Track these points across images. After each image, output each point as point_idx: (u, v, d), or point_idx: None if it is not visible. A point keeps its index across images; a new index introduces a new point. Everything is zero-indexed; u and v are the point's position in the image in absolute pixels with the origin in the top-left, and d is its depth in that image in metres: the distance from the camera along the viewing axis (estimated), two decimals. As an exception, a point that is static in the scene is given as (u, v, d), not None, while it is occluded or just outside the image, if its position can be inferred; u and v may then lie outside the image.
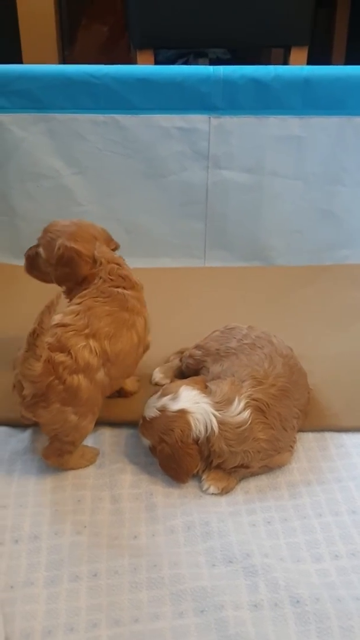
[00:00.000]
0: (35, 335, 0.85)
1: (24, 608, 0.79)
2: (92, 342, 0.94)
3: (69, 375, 0.90)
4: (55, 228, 1.06)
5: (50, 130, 1.45)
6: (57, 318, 0.95)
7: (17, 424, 1.07)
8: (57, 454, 0.96)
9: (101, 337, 0.95)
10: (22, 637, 0.75)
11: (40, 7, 2.34)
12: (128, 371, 1.05)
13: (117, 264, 1.05)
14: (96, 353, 0.94)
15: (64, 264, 1.03)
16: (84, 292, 1.01)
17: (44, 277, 1.11)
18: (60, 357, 0.90)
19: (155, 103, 1.42)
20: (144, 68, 1.43)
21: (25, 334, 0.94)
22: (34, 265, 1.10)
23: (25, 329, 1.04)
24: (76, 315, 0.96)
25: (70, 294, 1.06)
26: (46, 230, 1.07)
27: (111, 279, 1.02)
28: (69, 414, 0.92)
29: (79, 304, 0.99)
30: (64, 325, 0.94)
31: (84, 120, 1.44)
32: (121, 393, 1.11)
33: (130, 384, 1.12)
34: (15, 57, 2.34)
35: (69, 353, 0.91)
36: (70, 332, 0.93)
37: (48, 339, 0.90)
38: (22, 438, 1.05)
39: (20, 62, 2.27)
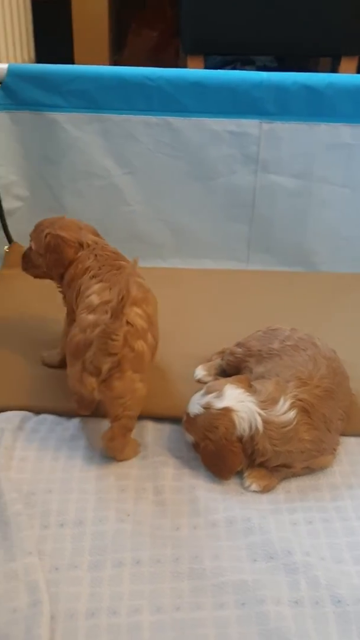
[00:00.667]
0: (123, 303, 0.89)
1: (68, 590, 0.81)
2: (136, 309, 0.98)
3: (135, 342, 0.95)
4: (43, 222, 1.16)
5: (104, 130, 1.48)
6: (94, 299, 1.00)
7: (63, 413, 1.10)
8: (123, 433, 0.99)
9: (140, 303, 1.00)
10: (67, 617, 0.77)
11: (94, 12, 2.40)
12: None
13: (105, 243, 1.14)
14: (143, 317, 0.99)
15: (52, 251, 1.11)
16: (90, 272, 1.06)
17: (37, 272, 1.18)
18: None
19: (208, 106, 1.44)
20: (198, 72, 1.45)
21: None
22: (28, 261, 1.18)
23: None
24: (110, 290, 1.01)
25: (61, 281, 1.13)
26: (36, 226, 1.16)
27: (107, 255, 1.10)
28: (137, 381, 0.96)
29: (100, 281, 1.04)
30: (108, 301, 0.97)
31: (137, 122, 1.47)
32: None
33: None
34: (68, 60, 2.39)
35: (127, 322, 0.95)
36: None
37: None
38: (68, 426, 1.08)
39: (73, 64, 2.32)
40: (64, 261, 1.11)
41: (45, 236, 1.12)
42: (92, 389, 0.95)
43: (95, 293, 1.01)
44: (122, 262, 1.10)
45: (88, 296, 1.01)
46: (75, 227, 1.14)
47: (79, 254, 1.10)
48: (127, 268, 0.92)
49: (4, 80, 1.45)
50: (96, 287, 1.03)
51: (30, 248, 1.17)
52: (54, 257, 1.11)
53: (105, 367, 0.93)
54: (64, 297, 1.15)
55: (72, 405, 1.06)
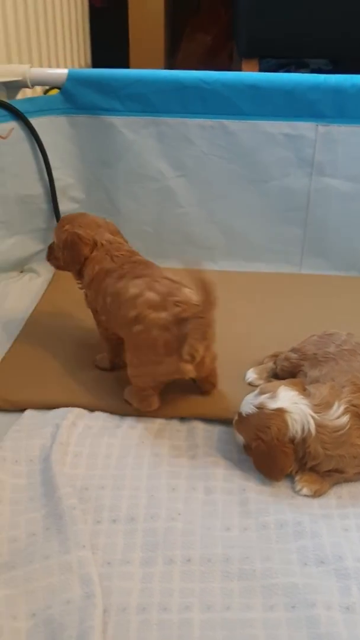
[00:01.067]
0: (211, 292, 0.95)
1: (120, 584, 0.82)
2: (187, 289, 1.05)
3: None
4: (65, 218, 1.21)
5: (159, 133, 1.50)
6: (152, 296, 1.04)
7: (116, 411, 1.12)
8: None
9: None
10: (119, 611, 0.79)
11: (150, 17, 2.43)
12: None
13: (120, 243, 1.17)
14: (193, 292, 1.03)
15: (68, 247, 1.16)
16: (114, 274, 1.11)
17: (58, 264, 1.23)
18: None
19: (264, 109, 1.44)
20: (255, 75, 1.46)
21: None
22: (51, 252, 1.24)
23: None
24: (157, 282, 1.06)
25: (80, 277, 1.18)
26: (59, 221, 1.22)
27: (123, 255, 1.14)
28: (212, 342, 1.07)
29: (135, 277, 1.08)
30: (169, 293, 1.04)
31: (193, 125, 1.48)
32: None
33: None
34: (123, 65, 2.43)
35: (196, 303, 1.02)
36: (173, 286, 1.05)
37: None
38: (120, 425, 1.09)
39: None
40: (79, 258, 1.15)
41: (64, 232, 1.16)
42: (190, 373, 1.04)
43: (147, 290, 1.05)
44: (139, 257, 1.15)
45: (137, 296, 1.04)
46: (94, 225, 1.17)
47: (94, 253, 1.14)
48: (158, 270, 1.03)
49: (63, 85, 1.48)
50: (138, 282, 1.06)
51: (53, 241, 1.22)
52: (70, 254, 1.16)
53: (201, 352, 1.02)
54: (86, 297, 1.18)
55: (131, 406, 1.11)
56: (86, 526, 0.89)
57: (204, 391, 1.15)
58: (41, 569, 0.83)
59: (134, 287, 1.06)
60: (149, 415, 1.11)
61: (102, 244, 1.14)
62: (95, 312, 1.17)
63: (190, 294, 1.03)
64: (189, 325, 0.99)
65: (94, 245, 1.15)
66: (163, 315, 1.01)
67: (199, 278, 0.95)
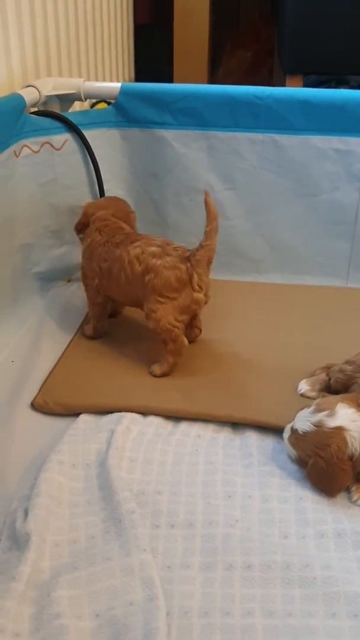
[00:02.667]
0: (215, 224, 1.19)
1: (181, 588, 0.83)
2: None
3: None
4: (99, 200, 1.44)
5: (209, 147, 1.52)
6: (154, 250, 1.22)
7: (169, 416, 1.14)
8: None
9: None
10: (181, 614, 0.79)
11: (195, 33, 2.47)
12: None
13: (108, 219, 1.32)
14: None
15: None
16: (107, 244, 1.27)
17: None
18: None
19: (315, 124, 1.46)
20: (306, 90, 1.47)
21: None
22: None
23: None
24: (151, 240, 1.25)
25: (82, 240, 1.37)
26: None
27: (108, 229, 1.30)
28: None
29: (134, 241, 1.25)
30: (168, 242, 1.25)
31: (243, 139, 1.50)
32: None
33: None
34: (167, 80, 2.47)
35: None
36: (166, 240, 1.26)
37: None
38: (174, 432, 1.11)
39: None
40: (78, 227, 1.37)
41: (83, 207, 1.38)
42: (202, 301, 1.21)
43: (146, 247, 1.22)
44: (128, 230, 1.31)
45: (140, 254, 1.21)
46: (106, 205, 1.36)
47: (88, 228, 1.32)
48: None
49: (116, 98, 1.52)
50: (136, 244, 1.23)
51: None
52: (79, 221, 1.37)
53: (206, 281, 1.20)
54: (81, 266, 1.34)
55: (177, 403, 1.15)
56: (145, 530, 0.90)
57: (192, 340, 1.29)
58: (103, 570, 0.84)
59: (134, 249, 1.22)
60: (206, 420, 1.13)
61: (94, 220, 1.31)
62: (85, 277, 1.32)
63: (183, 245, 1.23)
64: (196, 256, 1.17)
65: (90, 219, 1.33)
66: (168, 259, 1.19)
67: (206, 203, 1.14)
